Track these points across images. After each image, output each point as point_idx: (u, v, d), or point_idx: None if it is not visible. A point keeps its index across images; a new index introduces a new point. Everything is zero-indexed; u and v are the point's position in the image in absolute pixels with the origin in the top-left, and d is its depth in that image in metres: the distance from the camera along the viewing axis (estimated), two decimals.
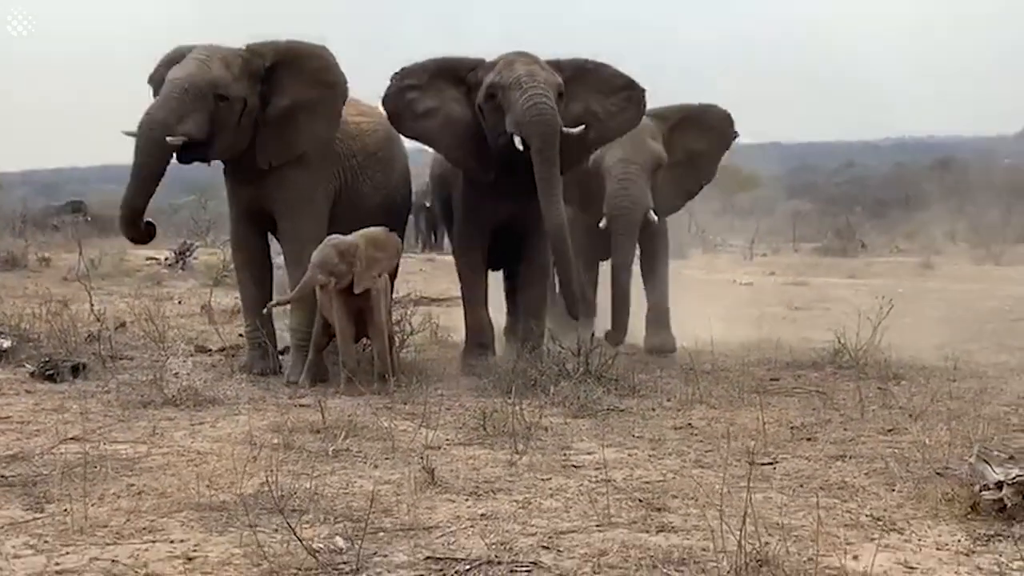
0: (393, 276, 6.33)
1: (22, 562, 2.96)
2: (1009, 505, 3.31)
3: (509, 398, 4.99)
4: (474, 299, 6.77)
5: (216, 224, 20.14)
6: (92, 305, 7.56)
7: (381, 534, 3.23)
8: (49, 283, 10.14)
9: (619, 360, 6.15)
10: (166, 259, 12.97)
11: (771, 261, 18.09)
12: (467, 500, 3.63)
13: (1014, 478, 3.34)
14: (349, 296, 5.70)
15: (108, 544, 3.11)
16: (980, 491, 3.40)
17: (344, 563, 2.96)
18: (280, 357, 6.55)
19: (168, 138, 5.76)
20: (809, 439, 4.61)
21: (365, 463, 4.14)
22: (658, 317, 7.43)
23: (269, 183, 6.20)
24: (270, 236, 6.65)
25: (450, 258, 7.32)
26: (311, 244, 5.75)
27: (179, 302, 9.65)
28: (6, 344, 6.28)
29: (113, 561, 2.97)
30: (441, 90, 6.47)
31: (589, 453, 4.32)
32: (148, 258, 13.32)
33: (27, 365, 6.01)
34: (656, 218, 7.26)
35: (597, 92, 6.60)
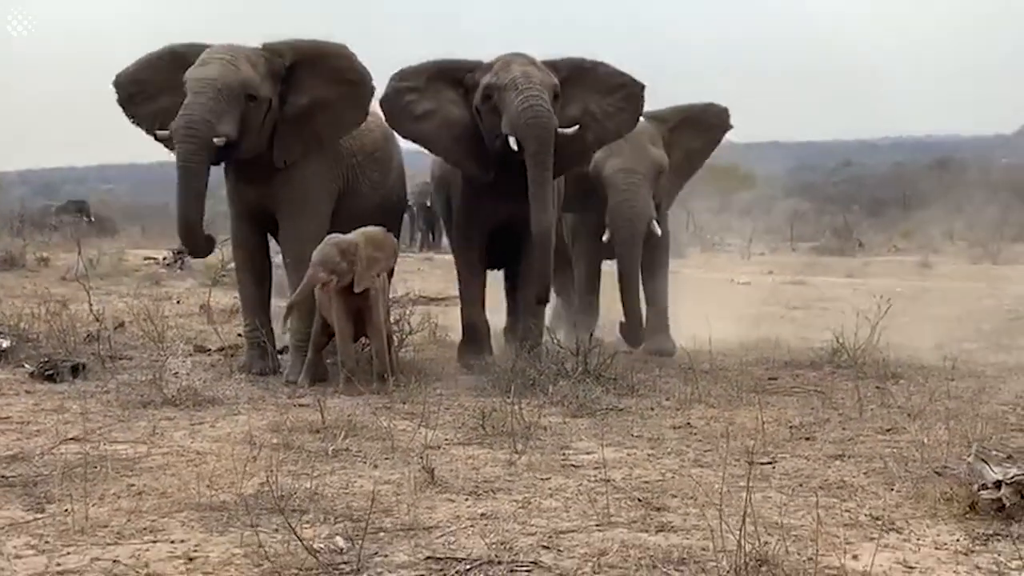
0: (389, 276, 6.35)
1: (24, 562, 2.96)
2: (1007, 505, 3.32)
3: (508, 397, 4.99)
4: (470, 298, 6.78)
5: (214, 223, 20.16)
6: (91, 305, 7.56)
7: (381, 534, 3.23)
8: (48, 283, 10.14)
9: (617, 359, 6.16)
10: (164, 259, 12.96)
11: (769, 260, 18.10)
12: (467, 500, 3.63)
13: (1012, 478, 3.35)
14: (348, 295, 5.70)
15: (109, 544, 3.12)
16: (978, 490, 3.40)
17: (345, 563, 2.97)
18: (279, 357, 6.56)
19: (215, 139, 5.75)
20: (808, 438, 4.62)
21: (365, 463, 4.14)
22: (658, 321, 7.43)
23: (274, 183, 6.20)
24: (269, 236, 6.65)
25: (448, 257, 7.33)
26: (312, 244, 5.75)
27: (178, 302, 9.65)
28: (5, 344, 6.28)
29: (114, 561, 2.97)
30: (439, 92, 6.48)
31: (588, 453, 4.33)
32: (146, 258, 13.35)
33: (26, 365, 6.01)
34: (660, 231, 7.25)
35: (595, 92, 6.60)
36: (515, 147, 6.06)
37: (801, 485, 3.84)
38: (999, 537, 3.20)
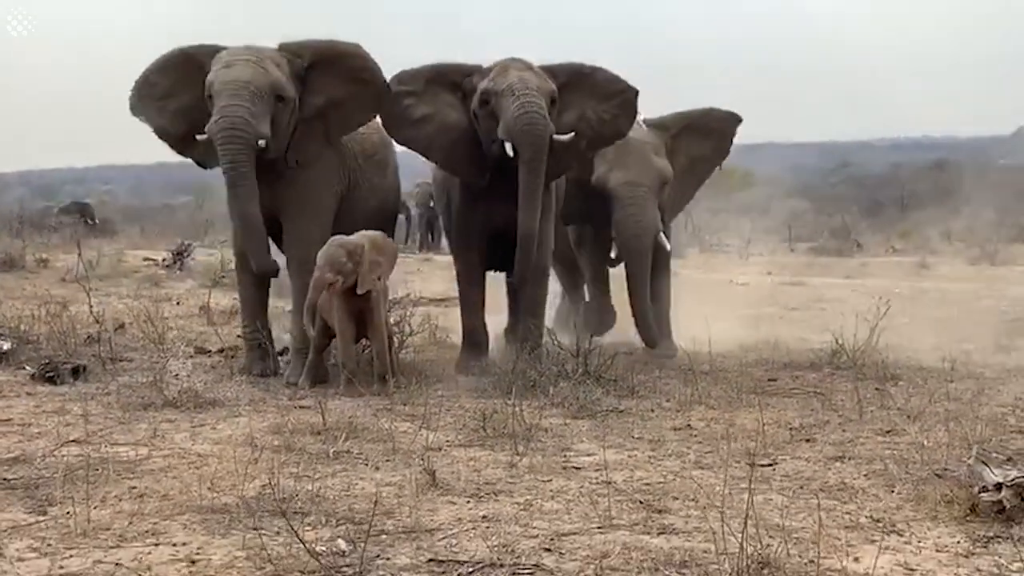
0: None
1: (26, 565, 2.97)
2: (1008, 507, 3.33)
3: (509, 399, 4.99)
4: (470, 302, 6.80)
5: (213, 224, 20.16)
6: (91, 307, 7.56)
7: (383, 536, 3.24)
8: (47, 284, 10.14)
9: (617, 361, 6.17)
10: (163, 260, 12.96)
11: (767, 261, 18.10)
12: (468, 502, 3.64)
13: (1013, 480, 3.36)
14: (350, 297, 5.71)
15: (111, 547, 3.12)
16: (979, 493, 3.41)
17: (347, 566, 2.97)
18: (279, 358, 6.57)
19: (260, 141, 5.75)
20: (808, 440, 4.63)
21: (366, 465, 4.15)
22: (659, 327, 7.42)
23: (281, 185, 6.18)
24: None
25: (447, 258, 7.34)
26: (317, 246, 5.75)
27: (177, 303, 9.65)
28: (6, 346, 6.28)
29: (117, 564, 2.98)
30: (437, 96, 6.51)
31: (589, 455, 4.34)
32: (145, 259, 13.33)
33: (27, 367, 6.02)
34: (668, 245, 7.24)
35: (591, 98, 6.61)
36: (511, 153, 6.10)
37: (802, 487, 3.85)
38: (1000, 539, 3.21)
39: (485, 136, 6.35)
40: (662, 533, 3.30)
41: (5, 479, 3.84)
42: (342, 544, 3.14)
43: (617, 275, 7.46)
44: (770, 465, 4.15)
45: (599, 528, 3.34)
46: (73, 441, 4.42)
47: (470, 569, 2.96)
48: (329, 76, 6.21)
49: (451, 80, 6.52)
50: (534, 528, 3.34)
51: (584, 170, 7.01)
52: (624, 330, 7.50)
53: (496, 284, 7.22)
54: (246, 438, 4.51)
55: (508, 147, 6.10)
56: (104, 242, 15.51)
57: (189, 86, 6.08)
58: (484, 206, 6.59)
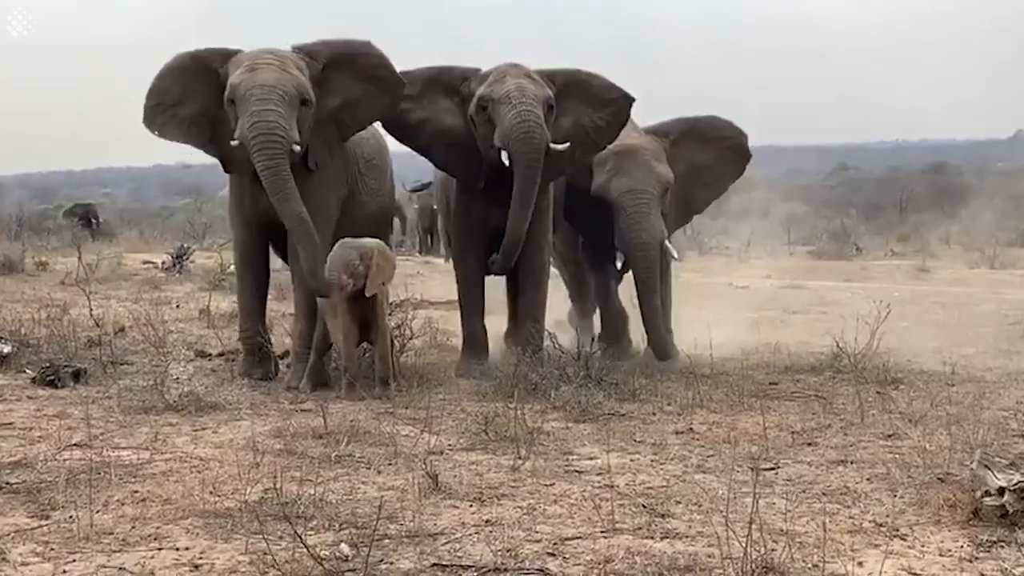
0: None
1: (30, 569, 2.97)
2: (1011, 511, 3.33)
3: (510, 403, 4.99)
4: (469, 305, 6.81)
5: (212, 227, 20.16)
6: (91, 310, 7.55)
7: (387, 541, 3.23)
8: (47, 287, 10.12)
9: (618, 364, 6.16)
10: (163, 263, 12.94)
11: (767, 264, 18.10)
12: (471, 506, 3.64)
13: (1016, 484, 3.36)
14: (355, 301, 5.71)
15: (115, 551, 3.12)
16: (982, 497, 3.41)
17: (351, 570, 2.97)
18: (280, 361, 6.56)
19: (295, 147, 5.71)
20: (810, 444, 4.63)
21: (368, 469, 4.15)
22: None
23: None
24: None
25: (440, 260, 7.32)
26: (324, 251, 5.74)
27: (177, 306, 9.63)
28: (6, 349, 6.27)
29: (120, 569, 2.98)
30: (434, 100, 6.53)
31: (591, 458, 4.34)
32: (145, 262, 13.31)
33: (28, 371, 6.01)
34: (676, 254, 7.12)
35: (587, 104, 6.62)
36: (506, 162, 6.14)
37: (804, 491, 3.85)
38: (1003, 544, 3.21)
39: (482, 141, 6.36)
40: (666, 537, 3.30)
41: (7, 483, 3.84)
42: (346, 549, 3.14)
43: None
44: (772, 469, 4.15)
45: (602, 532, 3.33)
46: (75, 445, 4.42)
47: (474, 574, 2.97)
48: (345, 76, 6.18)
49: (448, 84, 6.54)
50: (537, 532, 3.34)
51: (580, 175, 6.94)
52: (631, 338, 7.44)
53: (496, 286, 7.22)
54: (248, 442, 4.50)
55: (504, 156, 6.14)
56: (103, 245, 15.49)
57: (201, 90, 6.02)
58: (482, 208, 6.60)
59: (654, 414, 5.32)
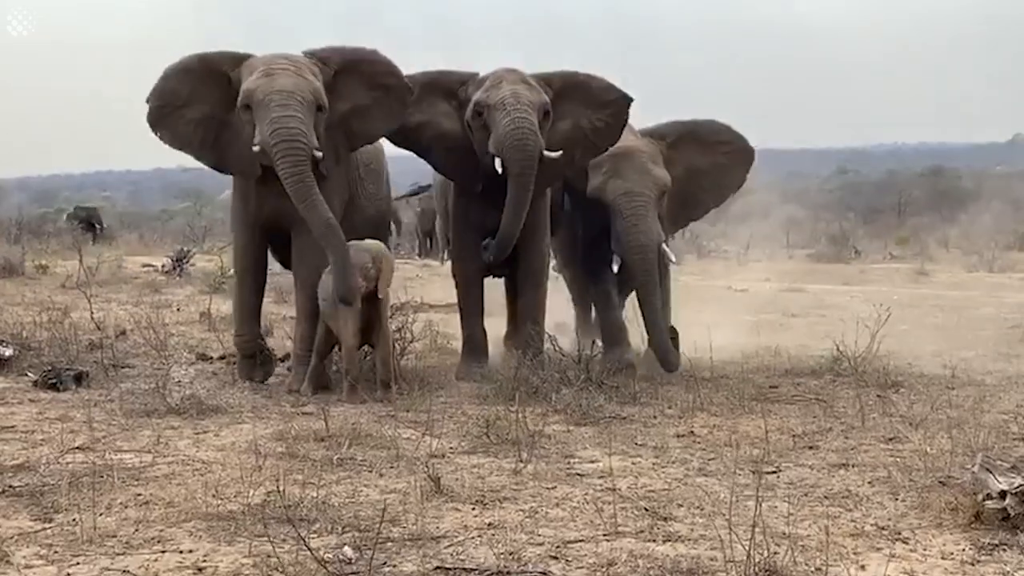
0: None
1: (34, 572, 2.98)
2: (1012, 514, 3.34)
3: (511, 406, 5.00)
4: (469, 308, 6.82)
5: (212, 230, 20.17)
6: (92, 313, 7.56)
7: (389, 544, 3.24)
8: (47, 291, 10.13)
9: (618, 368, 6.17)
10: (163, 266, 12.95)
11: (766, 267, 18.11)
12: (473, 509, 3.64)
13: (1017, 487, 3.37)
14: (361, 303, 5.70)
15: (118, 554, 3.13)
16: (983, 500, 3.42)
17: (354, 573, 2.98)
18: (280, 364, 6.57)
19: (315, 152, 5.70)
20: (811, 447, 4.64)
21: (370, 471, 4.15)
22: None
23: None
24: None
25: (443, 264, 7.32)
26: (325, 258, 5.73)
27: (178, 309, 9.63)
28: (8, 353, 6.28)
29: (124, 572, 2.98)
30: (433, 104, 6.55)
31: (593, 461, 4.35)
32: (145, 265, 13.32)
33: (29, 374, 6.02)
34: (674, 258, 7.01)
35: (585, 106, 6.61)
36: (499, 169, 6.17)
37: (806, 495, 3.86)
38: (1005, 547, 3.22)
39: (479, 146, 6.39)
40: (668, 540, 3.30)
41: (10, 486, 3.84)
42: (349, 551, 3.15)
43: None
44: (774, 472, 4.16)
45: (605, 535, 3.34)
46: (77, 448, 4.42)
47: None
48: (355, 82, 6.18)
49: (447, 88, 6.56)
50: (540, 535, 3.35)
51: (577, 178, 6.92)
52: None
53: (495, 289, 7.23)
54: (250, 445, 4.50)
55: (497, 162, 6.17)
56: (103, 248, 15.49)
57: (210, 93, 6.00)
58: (480, 211, 6.62)
59: (655, 417, 5.33)
